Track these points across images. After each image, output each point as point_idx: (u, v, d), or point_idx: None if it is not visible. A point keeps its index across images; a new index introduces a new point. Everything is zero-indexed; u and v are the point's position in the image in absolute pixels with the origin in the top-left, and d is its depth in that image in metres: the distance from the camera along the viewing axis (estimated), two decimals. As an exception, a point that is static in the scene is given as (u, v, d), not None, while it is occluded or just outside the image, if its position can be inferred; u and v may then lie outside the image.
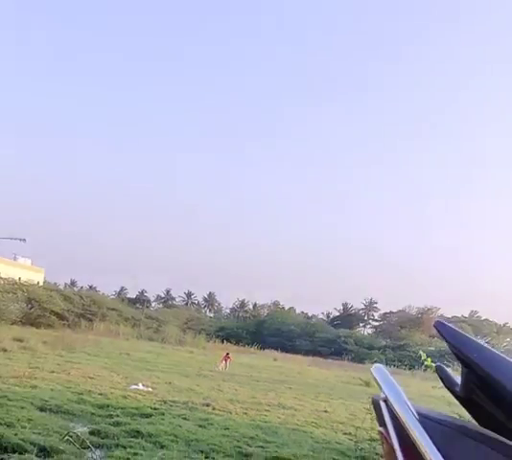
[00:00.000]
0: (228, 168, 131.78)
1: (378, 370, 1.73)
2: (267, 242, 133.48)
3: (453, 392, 1.76)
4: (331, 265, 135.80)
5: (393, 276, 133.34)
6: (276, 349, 63.08)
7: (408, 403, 1.61)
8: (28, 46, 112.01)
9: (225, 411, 13.50)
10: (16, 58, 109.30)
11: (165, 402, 13.61)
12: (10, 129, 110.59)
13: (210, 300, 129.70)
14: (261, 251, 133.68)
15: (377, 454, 9.95)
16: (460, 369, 1.68)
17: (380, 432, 1.70)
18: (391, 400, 1.62)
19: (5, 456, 7.48)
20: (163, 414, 11.89)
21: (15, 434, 8.27)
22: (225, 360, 27.78)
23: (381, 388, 1.67)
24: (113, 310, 55.30)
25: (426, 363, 8.06)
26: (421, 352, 8.78)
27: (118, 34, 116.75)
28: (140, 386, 15.60)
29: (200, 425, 11.21)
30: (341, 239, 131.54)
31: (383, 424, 1.65)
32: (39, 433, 8.60)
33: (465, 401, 1.72)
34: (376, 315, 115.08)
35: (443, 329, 1.65)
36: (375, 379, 1.71)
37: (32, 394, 12.09)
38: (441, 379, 1.81)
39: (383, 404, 1.65)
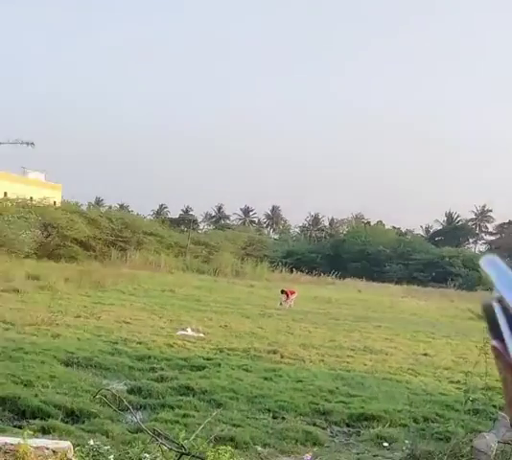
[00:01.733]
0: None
1: (490, 262, 1.54)
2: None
3: None
4: (430, 161, 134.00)
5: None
6: (360, 277, 63.19)
7: None
8: None
9: (297, 359, 13.69)
10: None
11: (221, 351, 13.86)
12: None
13: (274, 217, 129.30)
14: (336, 150, 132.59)
15: (494, 407, 9.96)
16: None
17: (493, 347, 1.57)
18: (508, 298, 1.39)
19: (24, 423, 7.65)
20: (219, 365, 12.13)
21: (35, 395, 8.52)
22: (290, 294, 27.98)
23: (494, 285, 1.52)
24: (151, 235, 55.70)
25: None
26: None
27: None
28: (189, 331, 15.87)
29: (266, 378, 11.42)
30: (442, 131, 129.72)
31: (497, 335, 1.52)
32: (65, 393, 8.86)
33: None
34: (490, 227, 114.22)
35: None
36: (485, 274, 1.56)
37: (54, 345, 12.41)
38: None
39: (497, 307, 1.40)
